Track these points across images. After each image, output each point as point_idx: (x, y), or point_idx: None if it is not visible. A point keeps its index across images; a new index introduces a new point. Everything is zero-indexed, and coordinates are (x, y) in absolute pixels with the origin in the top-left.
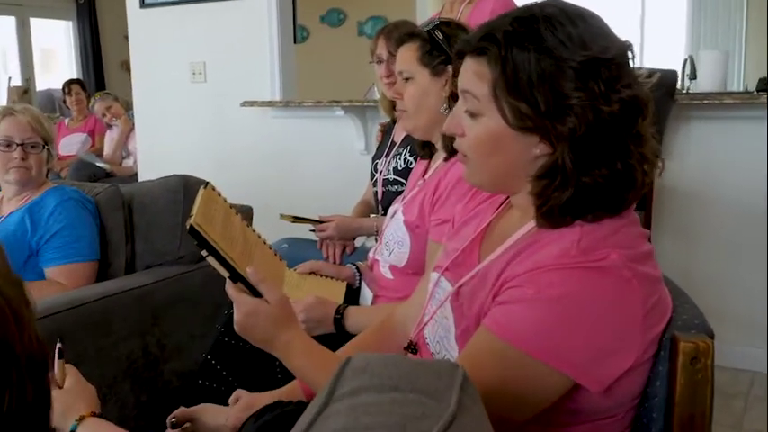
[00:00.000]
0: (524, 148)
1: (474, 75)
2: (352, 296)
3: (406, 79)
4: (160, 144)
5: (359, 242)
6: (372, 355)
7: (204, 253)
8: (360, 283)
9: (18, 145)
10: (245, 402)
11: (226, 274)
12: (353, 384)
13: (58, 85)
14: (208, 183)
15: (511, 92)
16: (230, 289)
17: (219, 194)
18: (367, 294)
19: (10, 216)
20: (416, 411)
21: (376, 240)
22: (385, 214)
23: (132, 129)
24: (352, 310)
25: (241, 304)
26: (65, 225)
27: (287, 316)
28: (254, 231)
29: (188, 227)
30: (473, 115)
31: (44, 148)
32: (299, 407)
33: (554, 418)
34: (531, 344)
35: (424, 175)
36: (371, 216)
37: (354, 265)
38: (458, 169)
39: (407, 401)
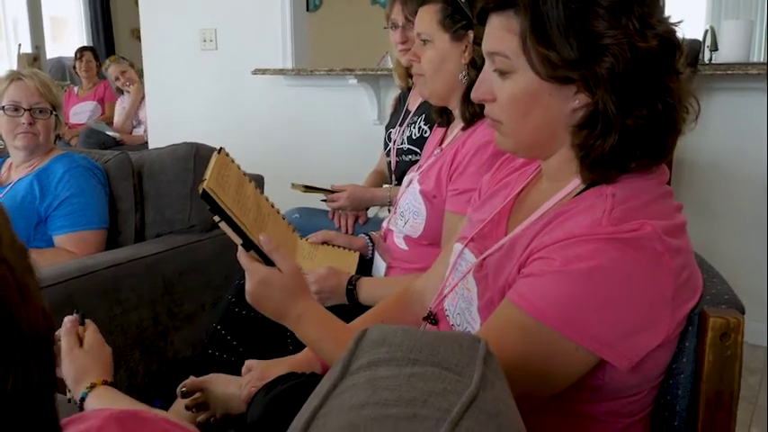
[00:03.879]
0: (561, 101)
1: (501, 31)
2: (365, 267)
3: (425, 42)
4: (170, 112)
5: (371, 212)
6: (390, 327)
7: (217, 218)
8: (372, 254)
9: (25, 110)
10: (259, 373)
11: (238, 241)
12: (370, 357)
13: (68, 53)
14: (221, 148)
15: (541, 41)
16: (242, 257)
17: (233, 161)
18: (380, 265)
19: (18, 182)
20: (437, 386)
21: (389, 211)
22: (398, 184)
23: (143, 97)
24: (365, 281)
25: (253, 273)
26: (74, 192)
27: (300, 286)
28: (267, 200)
29: (200, 191)
30: (503, 74)
31: (52, 113)
32: (312, 378)
33: (577, 396)
34: (556, 318)
35: (440, 144)
36: (384, 186)
37: (367, 235)
38: (477, 138)
39: (428, 376)
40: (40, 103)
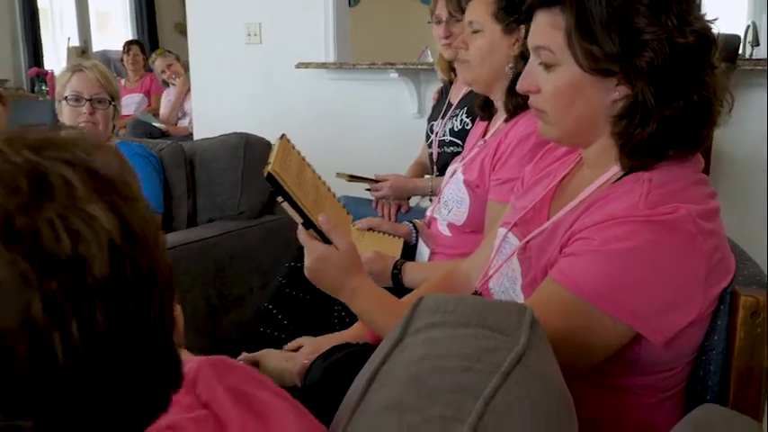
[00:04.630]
0: (603, 93)
1: (547, 27)
2: (409, 253)
3: (475, 31)
4: (215, 105)
5: (413, 202)
6: (443, 295)
7: (280, 199)
8: (416, 240)
9: (86, 100)
10: (311, 348)
11: (299, 220)
12: (427, 320)
13: (112, 46)
14: (284, 135)
15: (585, 36)
16: (302, 235)
17: (294, 146)
18: (424, 251)
19: None
20: (488, 344)
21: (430, 200)
22: (440, 175)
23: (189, 90)
24: (409, 265)
25: (312, 250)
26: None
27: (355, 263)
28: (324, 184)
29: (265, 174)
30: (549, 67)
31: (111, 103)
32: (366, 347)
33: (615, 369)
34: (595, 294)
35: (483, 136)
36: (426, 177)
37: (411, 222)
38: (519, 130)
39: (479, 336)
40: (100, 94)
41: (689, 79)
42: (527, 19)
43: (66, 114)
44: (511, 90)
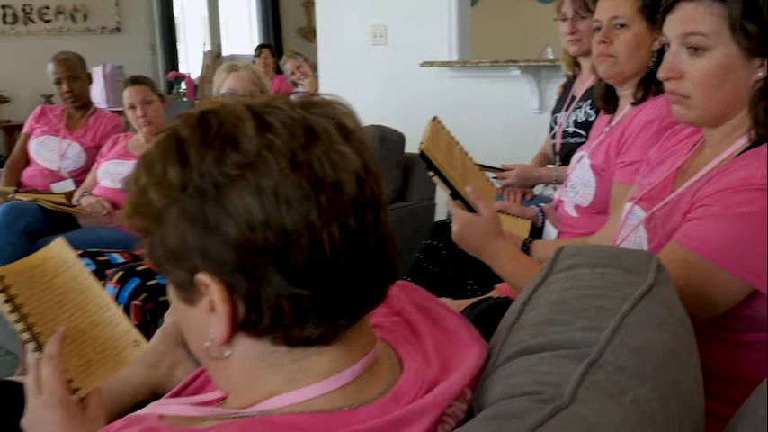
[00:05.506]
0: (748, 74)
1: (698, 14)
2: (536, 234)
3: (621, 26)
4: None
5: (537, 190)
6: (581, 243)
7: (431, 174)
8: (542, 223)
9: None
10: (454, 305)
11: (448, 191)
12: (568, 262)
13: (238, 51)
14: (435, 117)
15: (753, 19)
16: (450, 204)
17: (444, 127)
18: (551, 232)
19: None
20: (622, 280)
21: (554, 189)
22: (562, 164)
23: (317, 90)
24: (537, 243)
25: (459, 217)
26: None
27: (497, 229)
28: (471, 160)
29: (419, 151)
30: (697, 51)
31: None
32: (509, 301)
33: (732, 325)
34: (715, 253)
35: (609, 124)
36: (549, 166)
37: (537, 206)
38: (643, 116)
39: (614, 273)
40: (252, 91)
41: None
42: (668, 11)
43: None
44: (642, 81)
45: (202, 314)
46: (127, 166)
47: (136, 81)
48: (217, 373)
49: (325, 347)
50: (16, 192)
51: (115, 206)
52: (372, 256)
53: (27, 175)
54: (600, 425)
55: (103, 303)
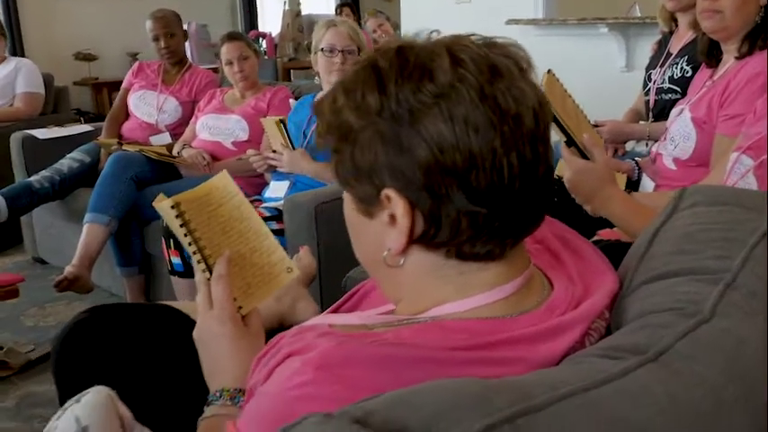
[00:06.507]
0: None
1: None
2: (631, 188)
3: None
4: None
5: (629, 146)
6: (702, 184)
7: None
8: (638, 176)
9: (339, 51)
10: None
11: (563, 138)
12: (691, 201)
13: (316, 10)
14: (550, 70)
15: None
16: (565, 152)
17: (558, 80)
18: (648, 185)
19: None
20: (745, 217)
21: (646, 145)
22: (655, 121)
23: None
24: (635, 195)
25: (574, 164)
26: None
27: (611, 175)
28: (582, 112)
29: None
30: None
31: (358, 54)
32: (620, 243)
33: None
34: None
35: (711, 78)
36: (641, 122)
37: (633, 159)
38: (748, 70)
39: (733, 211)
40: (350, 46)
41: None
42: None
43: (321, 64)
44: (748, 35)
45: (380, 226)
46: (224, 120)
47: (233, 37)
48: (388, 282)
49: (490, 263)
50: (119, 144)
51: (214, 158)
52: (539, 183)
53: (126, 128)
54: (744, 337)
55: (262, 232)
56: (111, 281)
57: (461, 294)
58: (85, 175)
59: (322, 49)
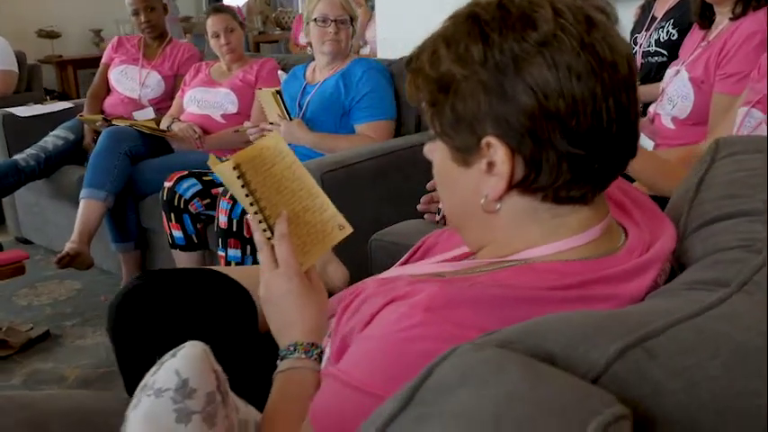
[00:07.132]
0: None
1: None
2: None
3: None
4: (402, 29)
5: None
6: (735, 136)
7: None
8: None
9: (332, 21)
10: None
11: None
12: (728, 150)
13: None
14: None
15: None
16: None
17: None
18: (647, 144)
19: (325, 82)
20: None
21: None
22: (642, 84)
23: (370, 18)
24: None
25: None
26: (371, 89)
27: None
28: None
29: None
30: None
31: (351, 23)
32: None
33: None
34: None
35: (704, 39)
36: None
37: None
38: (744, 29)
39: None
40: (342, 15)
41: None
42: None
43: (313, 34)
44: None
45: (477, 174)
46: (212, 93)
47: (219, 10)
48: (479, 227)
49: (581, 207)
50: (104, 119)
51: (204, 131)
52: (632, 128)
53: (109, 103)
54: None
55: (314, 191)
56: (101, 258)
57: (550, 238)
58: (70, 153)
59: (315, 19)
